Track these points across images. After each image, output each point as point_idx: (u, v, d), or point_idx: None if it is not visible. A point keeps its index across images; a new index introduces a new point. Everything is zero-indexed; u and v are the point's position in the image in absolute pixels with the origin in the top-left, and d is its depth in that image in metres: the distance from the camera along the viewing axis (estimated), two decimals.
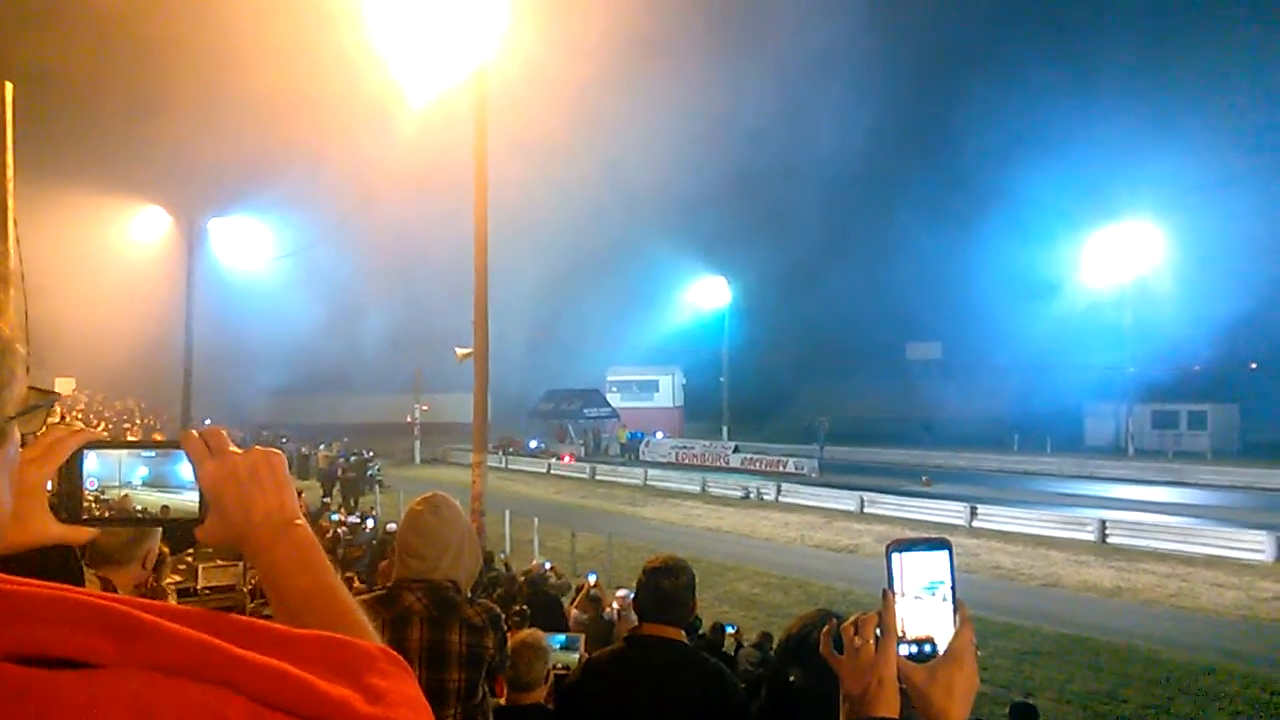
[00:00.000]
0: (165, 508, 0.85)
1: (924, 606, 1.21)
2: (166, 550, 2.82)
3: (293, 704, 0.53)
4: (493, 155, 14.29)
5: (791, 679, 1.71)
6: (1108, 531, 19.27)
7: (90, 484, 0.84)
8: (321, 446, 32.99)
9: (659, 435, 42.75)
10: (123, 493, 0.85)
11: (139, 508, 0.86)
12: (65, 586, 0.54)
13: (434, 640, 2.53)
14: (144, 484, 0.86)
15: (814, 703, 1.53)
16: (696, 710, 2.71)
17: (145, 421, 36.66)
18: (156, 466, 0.86)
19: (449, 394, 39.61)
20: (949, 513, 22.01)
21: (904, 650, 1.20)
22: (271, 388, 48.71)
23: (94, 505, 0.83)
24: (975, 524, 21.14)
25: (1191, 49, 50.23)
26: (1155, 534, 18.95)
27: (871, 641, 1.20)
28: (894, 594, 1.20)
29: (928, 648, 1.20)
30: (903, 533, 15.00)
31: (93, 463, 0.84)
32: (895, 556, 1.22)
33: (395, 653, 0.63)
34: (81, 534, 0.83)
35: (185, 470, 0.85)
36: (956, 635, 1.20)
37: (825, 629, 1.29)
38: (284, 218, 36.11)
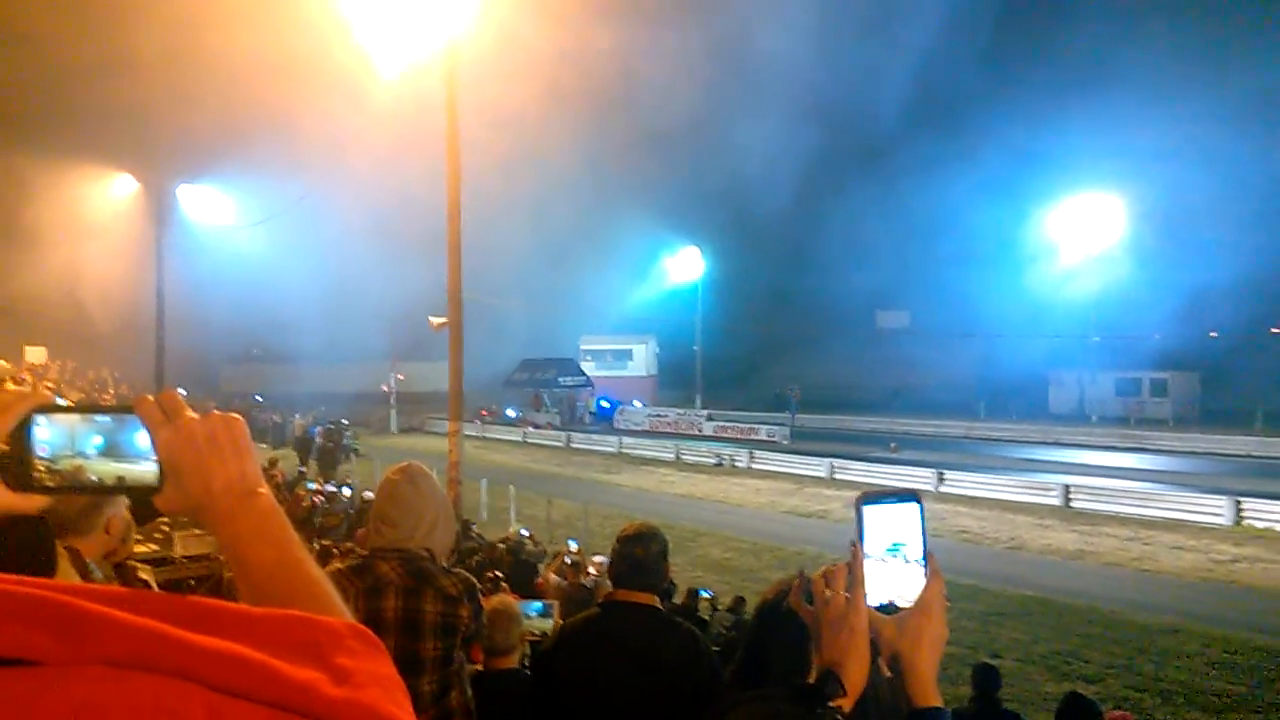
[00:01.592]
0: (120, 478, 0.82)
1: (888, 569, 1.21)
2: (129, 517, 2.76)
3: (255, 690, 0.49)
4: (468, 125, 14.12)
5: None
6: (1071, 496, 19.68)
7: (42, 451, 0.80)
8: (297, 415, 32.67)
9: (636, 404, 42.79)
10: (76, 462, 0.81)
11: (94, 477, 0.82)
12: (1, 576, 0.50)
13: (409, 610, 2.52)
14: (99, 453, 0.82)
15: (786, 656, 1.54)
16: (670, 674, 2.73)
17: (119, 391, 36.04)
18: (112, 435, 0.82)
19: (425, 363, 39.32)
20: (916, 478, 22.29)
21: (873, 601, 1.21)
22: (246, 356, 47.80)
23: (45, 475, 0.80)
24: (942, 489, 21.50)
25: (1149, 25, 50.45)
26: (1117, 498, 19.39)
27: (842, 593, 1.20)
28: (862, 547, 1.20)
29: (894, 604, 1.21)
30: None
31: (45, 431, 0.80)
32: (865, 509, 1.21)
33: (365, 628, 0.60)
34: (31, 502, 0.79)
35: (142, 438, 0.81)
36: (927, 587, 1.21)
37: (796, 582, 1.31)
38: (257, 185, 35.25)
